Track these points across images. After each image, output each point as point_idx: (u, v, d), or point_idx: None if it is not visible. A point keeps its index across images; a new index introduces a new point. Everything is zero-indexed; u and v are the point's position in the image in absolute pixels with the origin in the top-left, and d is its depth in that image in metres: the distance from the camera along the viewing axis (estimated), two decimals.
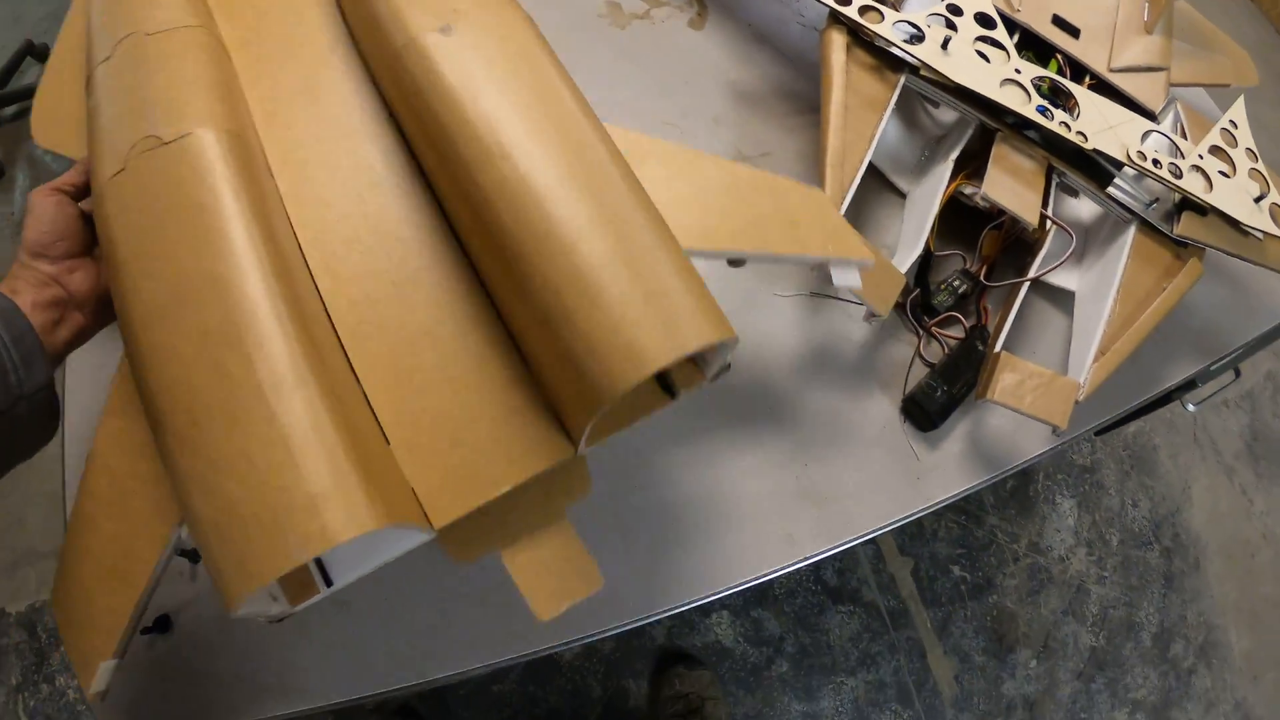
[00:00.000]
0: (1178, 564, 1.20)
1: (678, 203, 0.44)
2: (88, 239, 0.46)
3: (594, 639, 0.52)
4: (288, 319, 0.34)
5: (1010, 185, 0.62)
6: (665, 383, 0.40)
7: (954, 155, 0.64)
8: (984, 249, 0.66)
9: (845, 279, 0.49)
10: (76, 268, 0.45)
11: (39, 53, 2.03)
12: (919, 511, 0.56)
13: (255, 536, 0.29)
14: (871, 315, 0.60)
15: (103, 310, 0.47)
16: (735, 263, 0.59)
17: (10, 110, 1.93)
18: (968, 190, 0.64)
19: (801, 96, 0.70)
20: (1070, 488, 1.21)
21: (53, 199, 0.45)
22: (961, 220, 0.66)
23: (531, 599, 0.39)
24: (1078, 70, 0.72)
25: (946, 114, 0.72)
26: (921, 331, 0.62)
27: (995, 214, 0.65)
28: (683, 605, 0.51)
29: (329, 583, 0.35)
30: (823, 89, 0.62)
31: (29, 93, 1.95)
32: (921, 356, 0.61)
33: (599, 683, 1.04)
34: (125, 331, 0.38)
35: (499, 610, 0.51)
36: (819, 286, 0.61)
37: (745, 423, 0.56)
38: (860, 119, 0.61)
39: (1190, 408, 0.81)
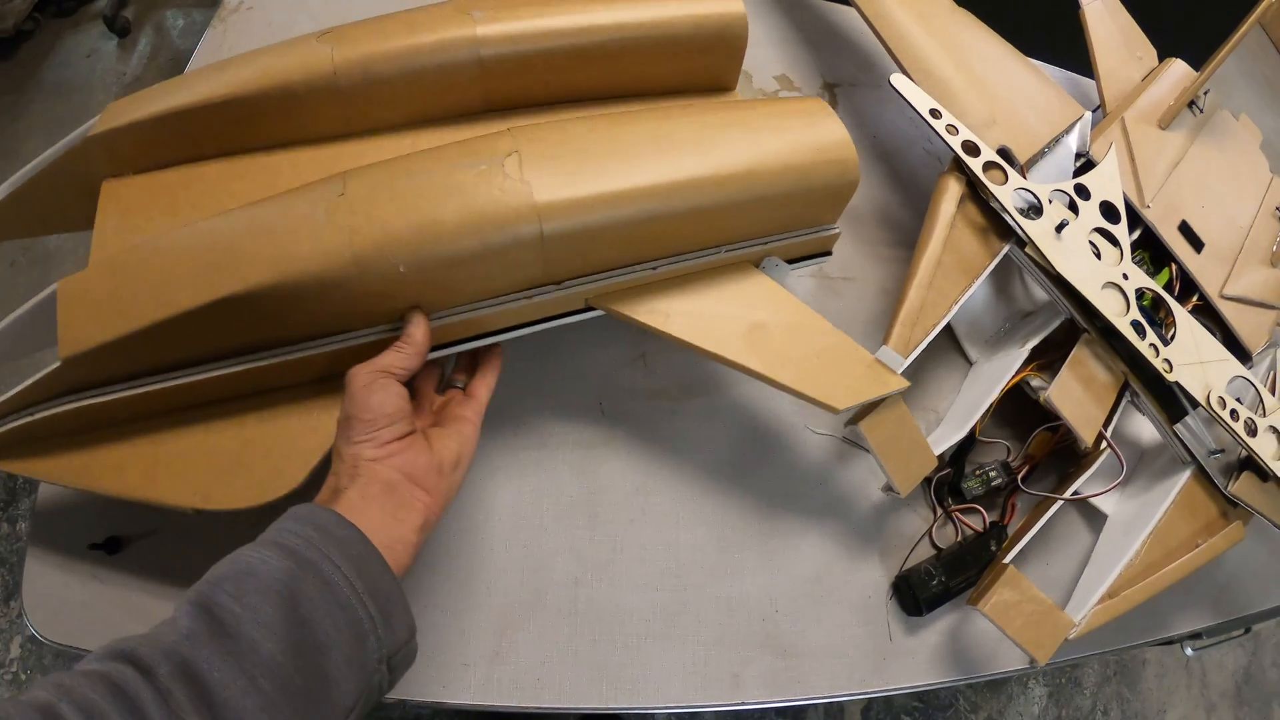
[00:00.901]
0: None
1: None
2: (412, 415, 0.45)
3: (512, 711, 0.55)
4: None
5: (1078, 396, 0.64)
6: None
7: (1032, 344, 0.66)
8: (1031, 448, 0.68)
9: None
10: (404, 448, 0.43)
11: None
12: (875, 693, 0.59)
13: None
14: (890, 490, 0.62)
15: (446, 476, 0.44)
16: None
17: None
18: (1034, 383, 0.66)
19: (902, 228, 0.72)
20: (1047, 675, 1.23)
21: (381, 381, 0.44)
22: (1017, 407, 0.67)
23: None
24: (1187, 285, 0.73)
25: (1041, 291, 0.74)
26: (940, 512, 0.64)
27: (1054, 415, 0.66)
28: (609, 709, 0.54)
29: None
30: (921, 236, 0.64)
31: None
32: (931, 538, 0.63)
33: None
34: None
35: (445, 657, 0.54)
36: (852, 435, 0.64)
37: (731, 547, 0.59)
38: (949, 279, 0.63)
39: (1189, 652, 0.83)
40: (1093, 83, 0.82)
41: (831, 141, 0.57)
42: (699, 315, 0.54)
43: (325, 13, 0.83)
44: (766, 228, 0.57)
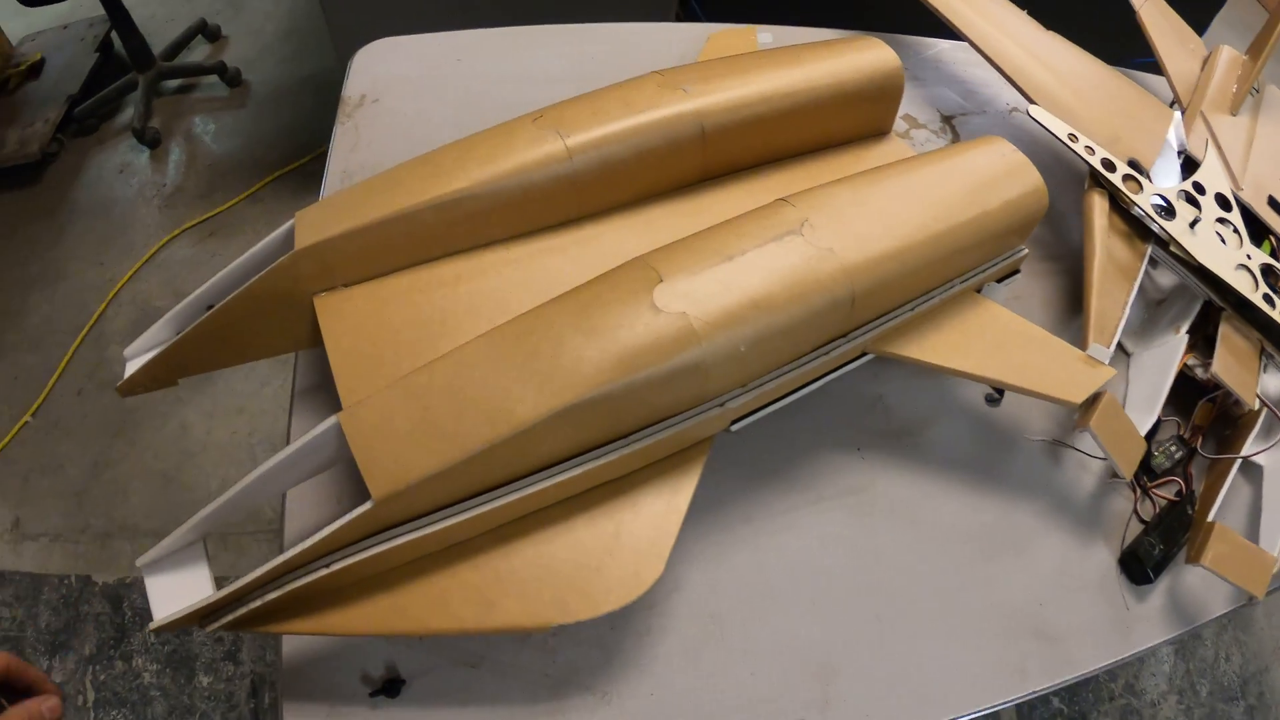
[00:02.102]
0: None
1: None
2: None
3: None
4: None
5: (1235, 367, 0.83)
6: None
7: (1185, 328, 0.85)
8: (1197, 418, 0.87)
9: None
10: None
11: (210, 33, 2.45)
12: (1129, 657, 0.76)
13: None
14: (1115, 476, 0.81)
15: None
16: (992, 401, 0.79)
17: (174, 84, 2.34)
18: (1190, 362, 0.85)
19: (1044, 242, 0.91)
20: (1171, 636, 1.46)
21: None
22: (1175, 386, 0.86)
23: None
24: None
25: (1164, 278, 0.93)
26: (1139, 490, 0.82)
27: (1211, 387, 0.86)
28: None
29: None
30: (1085, 251, 0.82)
31: (196, 69, 2.33)
32: (1137, 513, 0.82)
33: None
34: None
35: None
36: (1061, 435, 0.82)
37: (993, 556, 0.75)
38: (1115, 284, 0.82)
39: None
40: (1150, 76, 1.03)
41: (1026, 175, 0.75)
42: (952, 343, 0.71)
43: (453, 97, 0.97)
44: (985, 258, 0.74)
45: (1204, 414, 0.87)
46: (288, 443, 0.71)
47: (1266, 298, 0.85)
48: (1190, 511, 0.82)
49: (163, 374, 0.67)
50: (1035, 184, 0.74)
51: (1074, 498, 0.80)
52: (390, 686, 0.60)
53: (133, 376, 0.67)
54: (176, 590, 0.52)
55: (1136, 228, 0.86)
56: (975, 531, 0.76)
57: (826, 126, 0.82)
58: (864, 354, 0.70)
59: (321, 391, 0.75)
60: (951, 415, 0.80)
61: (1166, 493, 0.83)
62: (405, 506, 0.52)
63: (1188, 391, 0.87)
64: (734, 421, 0.65)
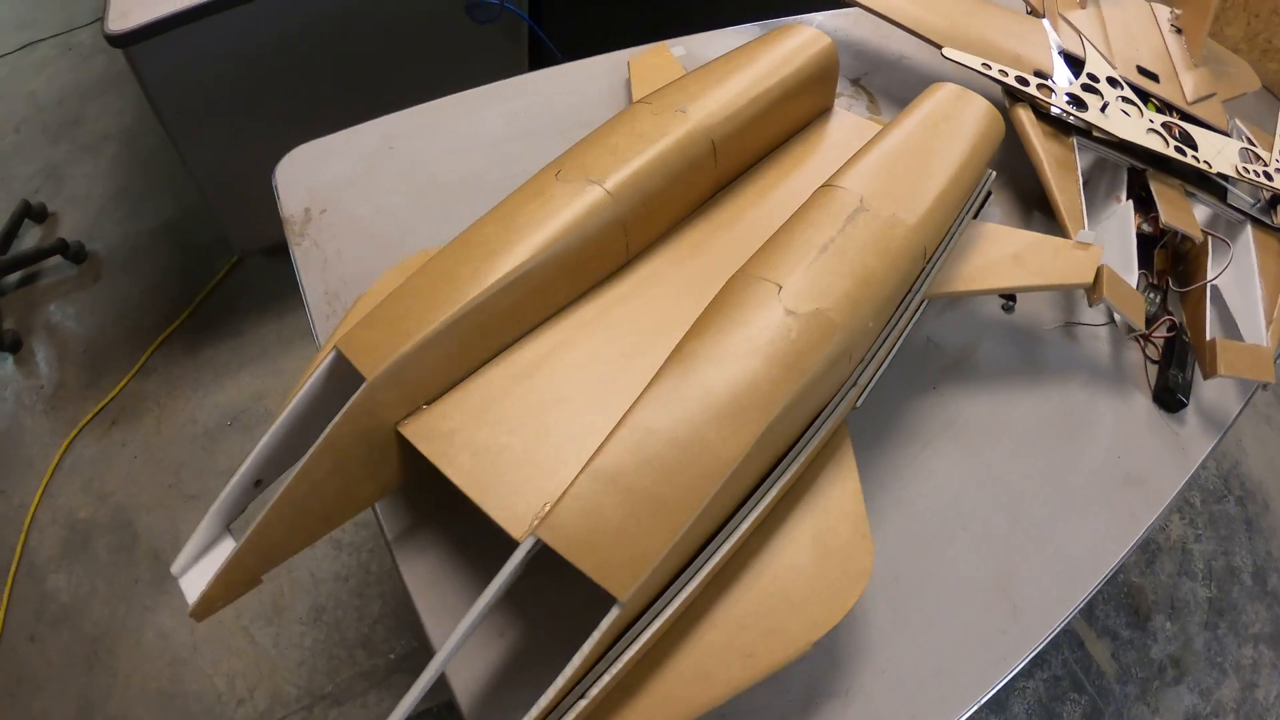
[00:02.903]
0: (1252, 509, 1.70)
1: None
2: None
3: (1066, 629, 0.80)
4: None
5: (1176, 212, 1.01)
6: None
7: (1123, 195, 1.02)
8: (1157, 265, 1.04)
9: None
10: None
11: (36, 213, 2.33)
12: (1196, 470, 0.92)
13: None
14: (1129, 331, 0.96)
15: None
16: (1007, 308, 0.94)
17: (15, 277, 2.20)
18: (1136, 220, 1.02)
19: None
20: None
21: None
22: None
23: None
24: (1166, 108, 1.13)
25: (1081, 159, 1.11)
26: (1141, 338, 0.98)
27: (1158, 235, 1.03)
28: (1087, 597, 0.81)
29: None
30: (1032, 160, 0.98)
31: (35, 255, 2.20)
32: (1147, 357, 0.98)
33: None
34: None
35: None
36: (1072, 316, 0.97)
37: (1074, 443, 0.88)
38: (1064, 179, 0.98)
39: None
40: None
41: (980, 107, 0.87)
42: (981, 267, 0.83)
43: (405, 184, 1.00)
44: (974, 188, 0.86)
45: (1162, 259, 1.05)
46: (412, 601, 0.70)
47: (1178, 149, 1.03)
48: (1185, 339, 0.98)
49: (243, 577, 0.60)
50: (991, 113, 0.87)
51: (1099, 363, 0.95)
52: None
53: (208, 593, 0.58)
54: None
55: (1059, 126, 1.02)
56: (1048, 420, 0.89)
57: (796, 114, 0.92)
58: (923, 301, 0.81)
59: (416, 534, 0.73)
60: (985, 332, 0.94)
61: (1162, 332, 1.00)
62: (645, 595, 0.52)
63: (1138, 246, 1.04)
64: (859, 396, 0.72)
